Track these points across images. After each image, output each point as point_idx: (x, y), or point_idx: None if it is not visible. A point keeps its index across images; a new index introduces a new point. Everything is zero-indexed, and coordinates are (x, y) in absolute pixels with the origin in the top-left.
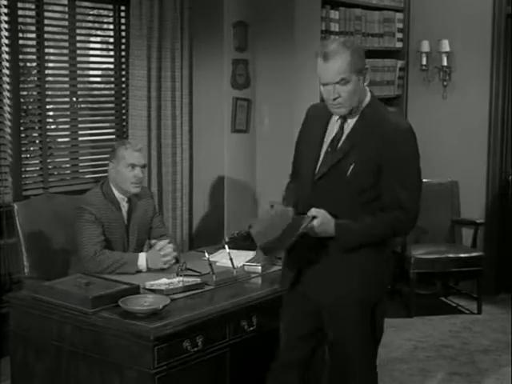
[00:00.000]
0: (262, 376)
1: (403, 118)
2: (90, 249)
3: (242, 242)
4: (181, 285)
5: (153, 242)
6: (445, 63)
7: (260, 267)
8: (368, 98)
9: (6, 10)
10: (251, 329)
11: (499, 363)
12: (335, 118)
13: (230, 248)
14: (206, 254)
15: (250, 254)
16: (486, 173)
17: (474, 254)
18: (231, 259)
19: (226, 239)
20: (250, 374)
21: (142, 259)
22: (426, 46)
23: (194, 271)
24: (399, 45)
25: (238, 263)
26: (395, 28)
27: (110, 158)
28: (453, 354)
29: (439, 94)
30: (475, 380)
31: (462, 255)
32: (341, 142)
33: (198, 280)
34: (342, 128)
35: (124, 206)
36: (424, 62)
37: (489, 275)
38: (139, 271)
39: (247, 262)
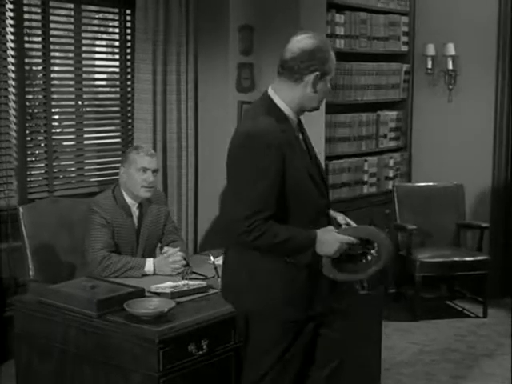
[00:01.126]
0: None
1: None
2: (97, 253)
3: None
4: (186, 288)
5: (165, 249)
6: (450, 67)
7: None
8: None
9: (12, 14)
10: None
11: (504, 367)
12: (293, 125)
13: None
14: (211, 258)
15: None
16: (492, 176)
17: (479, 258)
18: None
19: None
20: None
21: (150, 265)
22: (431, 50)
23: (200, 275)
24: (404, 48)
25: None
26: (400, 31)
27: (121, 162)
28: (458, 358)
29: (444, 98)
30: None
31: (468, 259)
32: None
33: (204, 283)
34: (302, 128)
35: (135, 212)
36: (429, 66)
37: (494, 279)
38: (145, 275)
39: None
